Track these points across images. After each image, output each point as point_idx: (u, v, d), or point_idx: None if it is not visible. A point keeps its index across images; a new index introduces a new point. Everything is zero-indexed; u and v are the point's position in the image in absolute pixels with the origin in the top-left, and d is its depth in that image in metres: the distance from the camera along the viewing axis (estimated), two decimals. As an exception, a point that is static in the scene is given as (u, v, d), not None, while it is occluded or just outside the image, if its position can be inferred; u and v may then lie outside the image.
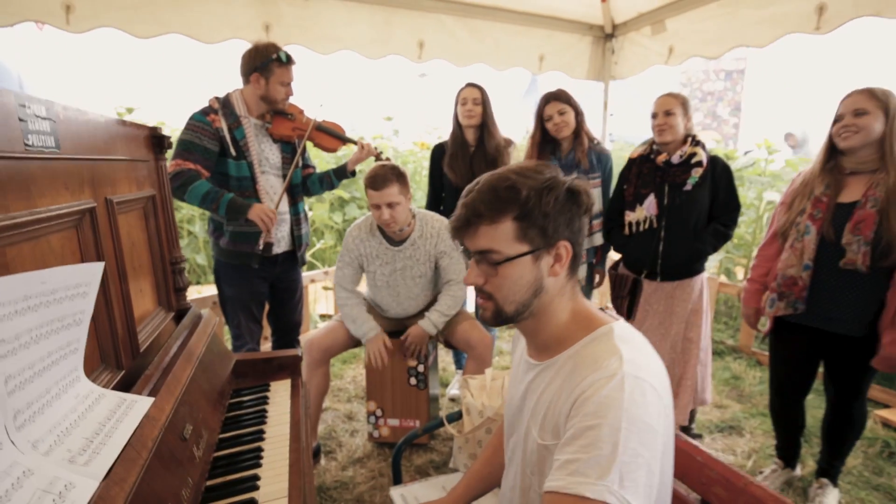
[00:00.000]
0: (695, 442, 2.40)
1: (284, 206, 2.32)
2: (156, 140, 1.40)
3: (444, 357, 3.44)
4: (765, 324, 2.09)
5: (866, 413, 2.01)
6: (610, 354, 0.83)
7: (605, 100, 3.83)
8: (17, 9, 2.32)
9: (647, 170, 2.29)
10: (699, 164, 2.18)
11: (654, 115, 2.22)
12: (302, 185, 2.46)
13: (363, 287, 2.51)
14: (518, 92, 13.55)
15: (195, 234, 4.53)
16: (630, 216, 2.32)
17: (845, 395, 1.95)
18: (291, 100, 2.29)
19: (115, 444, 0.84)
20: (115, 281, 1.10)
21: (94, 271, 0.91)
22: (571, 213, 0.89)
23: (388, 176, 2.12)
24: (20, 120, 0.81)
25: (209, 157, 2.12)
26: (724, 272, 4.17)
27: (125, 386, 1.04)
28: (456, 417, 1.93)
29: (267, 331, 2.66)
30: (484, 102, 2.62)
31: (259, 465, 1.19)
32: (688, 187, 2.19)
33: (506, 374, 2.01)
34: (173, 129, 5.07)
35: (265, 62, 2.12)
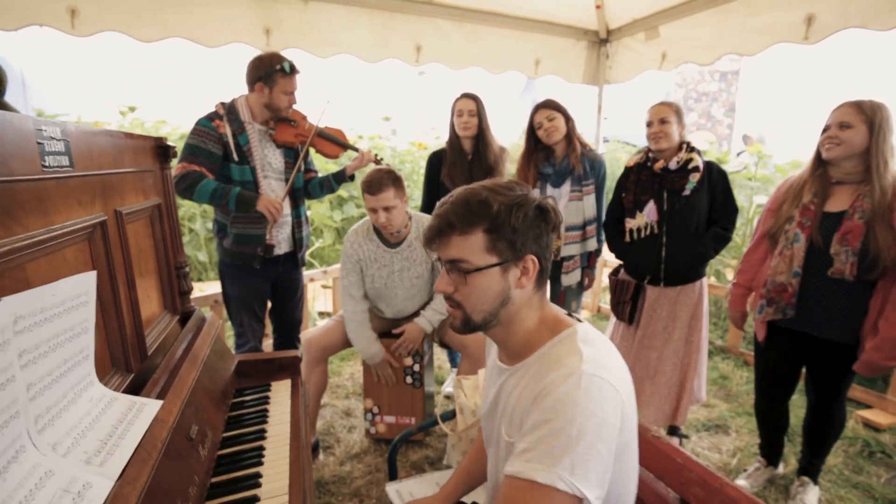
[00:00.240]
0: (675, 443, 2.48)
1: (286, 208, 2.38)
2: (161, 150, 1.46)
3: (440, 355, 3.50)
4: (751, 324, 2.15)
5: (845, 414, 2.08)
6: (571, 354, 0.89)
7: (600, 103, 3.88)
8: (23, 13, 2.36)
9: (644, 177, 2.31)
10: (696, 169, 2.21)
11: (650, 124, 2.25)
12: (304, 188, 2.52)
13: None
14: (515, 91, 13.58)
15: (196, 231, 4.59)
16: (630, 223, 2.35)
17: (826, 397, 2.02)
18: (295, 106, 2.36)
19: (127, 445, 0.90)
20: (124, 288, 1.16)
21: (88, 280, 0.95)
22: (540, 228, 0.94)
23: (384, 180, 2.17)
24: (38, 143, 0.87)
25: (214, 161, 2.19)
26: (714, 274, 4.23)
27: (135, 388, 1.10)
28: (450, 416, 1.99)
29: (268, 328, 2.73)
30: (479, 113, 2.67)
31: (261, 463, 1.25)
32: (686, 192, 2.22)
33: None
34: (174, 128, 5.12)
35: (269, 72, 2.19)
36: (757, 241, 2.10)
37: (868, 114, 1.75)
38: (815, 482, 2.15)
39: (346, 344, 2.50)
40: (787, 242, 1.92)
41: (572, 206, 2.57)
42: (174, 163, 1.63)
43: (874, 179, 1.75)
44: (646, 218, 2.29)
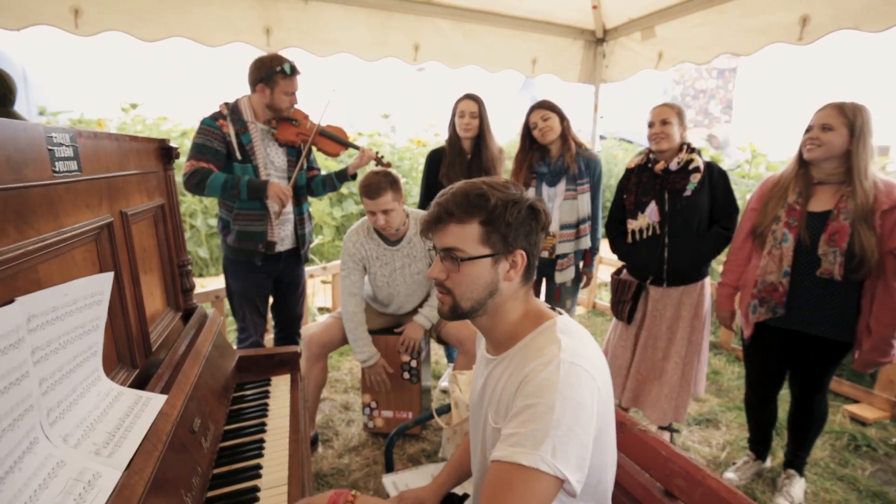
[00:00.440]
0: (667, 437, 2.52)
1: (289, 206, 2.43)
2: (164, 151, 1.50)
3: (437, 350, 3.55)
4: (738, 325, 2.19)
5: (827, 407, 2.13)
6: (550, 343, 0.95)
7: (596, 102, 3.92)
8: (27, 13, 2.40)
9: (646, 178, 2.33)
10: (696, 169, 2.22)
11: (651, 125, 2.27)
12: (306, 186, 2.57)
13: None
14: (513, 88, 13.60)
15: (197, 227, 4.63)
16: (632, 224, 2.37)
17: (808, 390, 2.07)
18: (297, 106, 2.41)
19: (134, 437, 0.95)
20: (129, 286, 1.20)
21: (105, 281, 1.01)
22: (530, 226, 1.01)
23: (381, 184, 2.21)
24: (49, 149, 0.91)
25: (220, 158, 2.27)
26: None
27: (140, 383, 1.14)
28: (445, 410, 2.04)
29: (270, 323, 2.79)
30: (481, 114, 2.71)
31: (261, 455, 1.30)
32: (687, 193, 2.23)
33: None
34: (176, 124, 5.16)
35: (269, 73, 2.24)
36: (743, 239, 2.13)
37: (849, 116, 1.79)
38: (802, 475, 2.21)
39: (346, 340, 2.54)
40: (775, 242, 1.96)
41: (567, 204, 2.61)
42: (179, 163, 1.67)
43: (855, 181, 1.79)
44: (648, 219, 2.31)
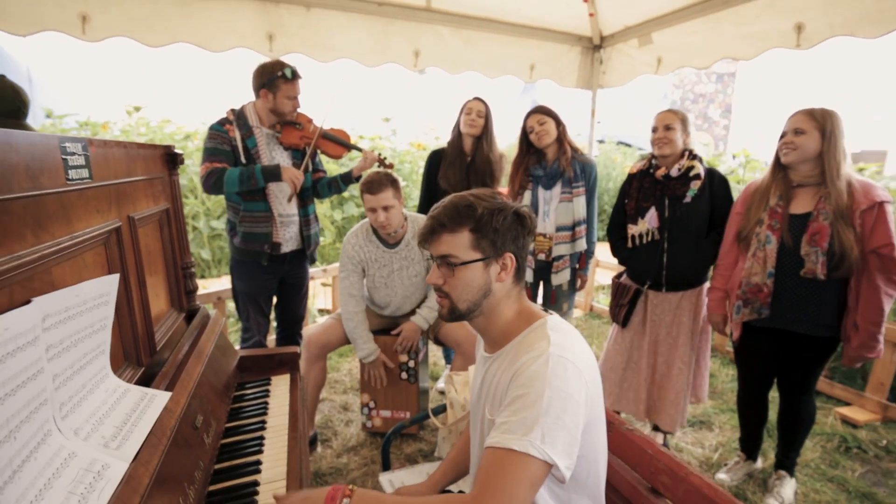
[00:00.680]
0: (660, 438, 2.56)
1: (294, 208, 2.49)
2: (169, 157, 1.55)
3: (435, 353, 3.60)
4: (729, 328, 2.24)
5: (815, 407, 2.18)
6: (541, 339, 1.03)
7: (593, 107, 3.95)
8: (35, 19, 2.44)
9: (647, 184, 2.37)
10: (697, 176, 2.25)
11: (655, 129, 2.31)
12: (312, 188, 2.63)
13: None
14: (514, 92, 13.69)
15: (200, 229, 4.68)
16: (633, 229, 2.40)
17: (796, 391, 2.12)
18: (301, 109, 2.48)
19: (140, 431, 0.99)
20: (135, 288, 1.25)
21: (112, 282, 1.06)
22: (517, 231, 1.11)
23: (383, 181, 2.29)
24: (63, 158, 0.96)
25: (229, 160, 2.35)
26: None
27: (145, 380, 1.19)
28: (441, 410, 2.09)
29: (272, 323, 2.84)
30: (487, 116, 2.80)
31: (261, 451, 1.34)
32: (687, 199, 2.26)
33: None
34: (179, 127, 5.21)
35: (271, 79, 2.31)
36: (730, 244, 2.18)
37: (819, 120, 1.87)
38: (792, 475, 2.25)
39: (345, 341, 2.59)
40: (759, 244, 2.01)
41: (563, 207, 2.65)
42: (183, 168, 1.73)
43: (828, 182, 1.87)
44: (647, 224, 2.34)
